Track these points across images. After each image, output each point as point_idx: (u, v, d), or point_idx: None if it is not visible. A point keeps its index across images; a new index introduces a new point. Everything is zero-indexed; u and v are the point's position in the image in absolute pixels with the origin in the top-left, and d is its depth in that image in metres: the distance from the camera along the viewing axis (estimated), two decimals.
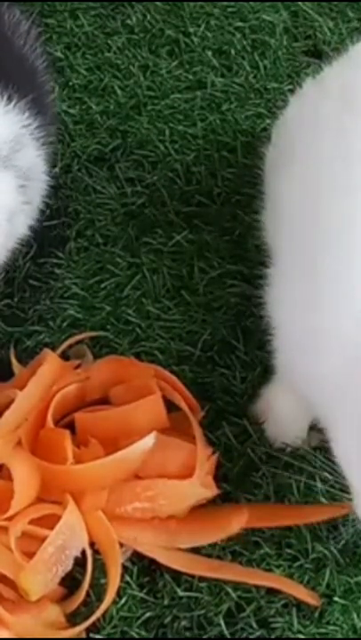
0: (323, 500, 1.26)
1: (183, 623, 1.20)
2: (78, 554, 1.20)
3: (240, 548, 1.24)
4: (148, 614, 1.20)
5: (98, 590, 1.20)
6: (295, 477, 1.28)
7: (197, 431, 1.27)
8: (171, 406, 1.29)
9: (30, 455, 1.23)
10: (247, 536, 1.24)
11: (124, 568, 1.21)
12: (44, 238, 1.46)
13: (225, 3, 1.73)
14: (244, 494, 1.27)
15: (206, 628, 1.20)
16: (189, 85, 1.64)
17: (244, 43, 1.69)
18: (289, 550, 1.24)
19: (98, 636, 1.19)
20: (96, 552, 1.22)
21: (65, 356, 1.36)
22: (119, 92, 1.63)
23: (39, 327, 1.40)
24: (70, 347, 1.38)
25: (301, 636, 1.19)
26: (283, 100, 1.58)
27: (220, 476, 1.27)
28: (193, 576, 1.22)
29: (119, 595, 1.20)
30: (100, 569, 1.21)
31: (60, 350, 1.36)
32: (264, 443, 1.31)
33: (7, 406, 1.27)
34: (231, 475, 1.29)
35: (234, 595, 1.21)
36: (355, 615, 1.20)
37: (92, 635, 1.18)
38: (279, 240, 1.24)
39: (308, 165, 1.19)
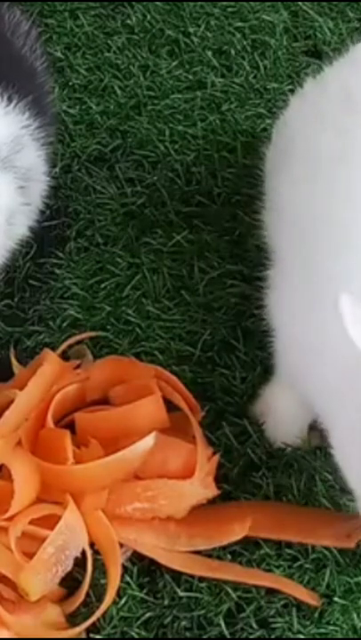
0: (323, 500, 1.26)
1: (183, 623, 1.20)
2: (78, 554, 1.20)
3: (240, 549, 1.24)
4: (148, 614, 1.20)
5: (98, 590, 1.20)
6: (295, 477, 1.28)
7: (197, 431, 1.27)
8: (171, 406, 1.29)
9: (30, 455, 1.23)
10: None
11: (124, 568, 1.21)
12: (44, 238, 1.46)
13: (225, 3, 1.73)
14: (244, 494, 1.27)
15: (206, 628, 1.20)
16: (189, 85, 1.64)
17: (244, 43, 1.69)
18: (289, 550, 1.24)
19: (98, 637, 1.19)
20: (96, 552, 1.22)
21: (65, 356, 1.36)
22: (119, 92, 1.63)
23: (39, 327, 1.40)
24: (70, 347, 1.38)
25: (301, 636, 1.19)
26: (283, 100, 1.58)
27: (220, 476, 1.27)
28: (193, 576, 1.22)
29: (119, 595, 1.20)
30: (100, 569, 1.21)
31: (60, 350, 1.36)
32: (264, 443, 1.31)
33: (7, 406, 1.27)
34: (231, 475, 1.29)
35: (234, 595, 1.21)
36: (355, 615, 1.20)
37: (92, 635, 1.19)
38: (279, 241, 1.24)
39: (309, 165, 1.19)
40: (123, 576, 1.21)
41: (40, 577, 1.18)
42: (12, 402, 1.27)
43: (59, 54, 1.66)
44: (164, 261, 1.46)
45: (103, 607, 1.19)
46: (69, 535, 1.20)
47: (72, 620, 1.19)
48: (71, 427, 1.28)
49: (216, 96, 1.63)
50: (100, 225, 1.49)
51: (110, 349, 1.38)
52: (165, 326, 1.41)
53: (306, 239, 1.15)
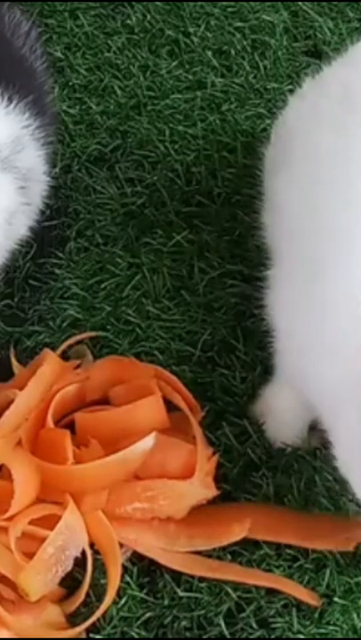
0: (323, 500, 1.26)
1: (183, 623, 1.20)
2: (78, 554, 1.20)
3: (240, 549, 1.24)
4: (148, 614, 1.20)
5: (98, 590, 1.20)
6: (295, 477, 1.28)
7: (197, 431, 1.27)
8: (171, 406, 1.29)
9: (30, 455, 1.23)
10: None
11: (124, 568, 1.22)
12: (44, 238, 1.46)
13: (225, 3, 1.73)
14: (244, 494, 1.27)
15: (206, 628, 1.20)
16: (189, 85, 1.64)
17: (244, 43, 1.69)
18: (289, 550, 1.24)
19: (98, 637, 1.19)
20: (96, 552, 1.22)
21: (65, 356, 1.36)
22: (119, 92, 1.63)
23: (39, 327, 1.40)
24: (70, 347, 1.38)
25: (301, 636, 1.19)
26: (283, 100, 1.58)
27: (220, 476, 1.27)
28: (193, 576, 1.22)
29: (119, 595, 1.20)
30: (100, 569, 1.21)
31: (60, 350, 1.36)
32: (264, 443, 1.31)
33: (7, 406, 1.27)
34: (231, 475, 1.29)
35: (234, 595, 1.21)
36: (355, 615, 1.20)
37: (92, 635, 1.19)
38: (279, 241, 1.24)
39: (308, 166, 1.19)
40: (123, 576, 1.21)
41: (40, 577, 1.18)
42: (12, 402, 1.27)
43: (59, 54, 1.66)
44: (164, 261, 1.46)
45: (103, 607, 1.19)
46: (69, 535, 1.20)
47: (72, 619, 1.19)
48: (71, 427, 1.28)
49: (216, 96, 1.63)
50: (100, 225, 1.49)
51: (110, 349, 1.38)
52: (165, 326, 1.41)
53: (306, 239, 1.15)
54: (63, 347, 1.37)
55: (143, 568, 1.23)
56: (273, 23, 1.71)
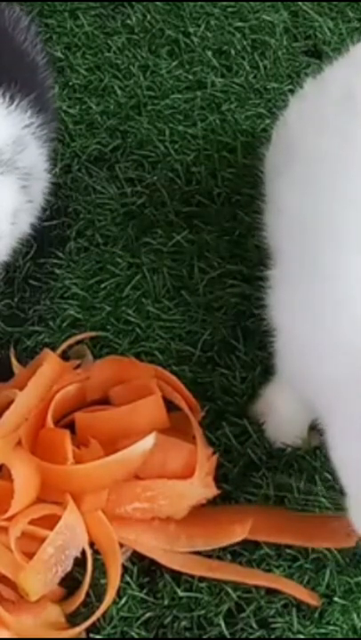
0: (323, 500, 1.26)
1: (183, 623, 1.20)
2: (78, 554, 1.20)
3: (240, 549, 1.24)
4: (148, 614, 1.20)
5: (98, 590, 1.20)
6: (295, 477, 1.28)
7: (197, 431, 1.27)
8: (171, 406, 1.29)
9: (30, 455, 1.23)
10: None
11: (124, 568, 1.22)
12: (44, 238, 1.46)
13: (225, 3, 1.73)
14: (244, 494, 1.27)
15: (206, 628, 1.20)
16: (189, 85, 1.64)
17: (244, 43, 1.69)
18: (289, 550, 1.24)
19: (98, 637, 1.19)
20: (96, 552, 1.22)
21: (65, 356, 1.36)
22: (119, 91, 1.63)
23: (39, 327, 1.40)
24: (70, 347, 1.38)
25: (301, 636, 1.19)
26: (283, 100, 1.58)
27: (220, 476, 1.27)
28: (193, 576, 1.22)
29: (119, 595, 1.20)
30: (100, 569, 1.21)
31: (60, 350, 1.36)
32: (264, 443, 1.31)
33: (7, 406, 1.27)
34: (231, 475, 1.29)
35: (234, 595, 1.21)
36: (355, 615, 1.20)
37: (92, 635, 1.19)
38: (280, 241, 1.24)
39: (309, 166, 1.19)
40: (123, 576, 1.21)
41: (40, 577, 1.18)
42: (12, 402, 1.27)
43: (59, 54, 1.66)
44: (164, 261, 1.46)
45: (103, 607, 1.19)
46: (69, 535, 1.20)
47: (72, 619, 1.19)
48: (71, 427, 1.28)
49: (216, 96, 1.63)
50: (100, 225, 1.49)
51: (110, 349, 1.38)
52: (165, 326, 1.41)
53: (306, 239, 1.15)
54: (63, 347, 1.37)
55: (143, 568, 1.23)
56: (273, 23, 1.71)
